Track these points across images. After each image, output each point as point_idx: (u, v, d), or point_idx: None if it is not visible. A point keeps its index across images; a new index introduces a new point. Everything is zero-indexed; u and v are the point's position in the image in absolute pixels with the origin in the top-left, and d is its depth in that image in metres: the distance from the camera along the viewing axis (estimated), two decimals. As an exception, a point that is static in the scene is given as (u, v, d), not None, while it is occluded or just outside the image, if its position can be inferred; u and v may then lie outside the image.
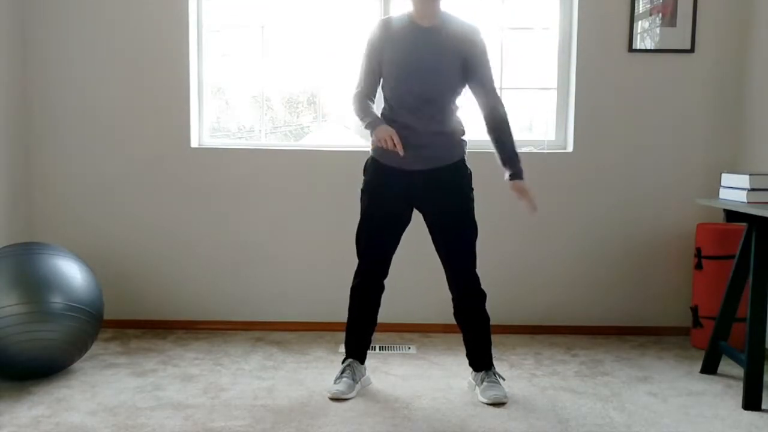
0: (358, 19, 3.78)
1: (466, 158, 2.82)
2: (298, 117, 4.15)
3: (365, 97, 2.81)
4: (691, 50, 3.66)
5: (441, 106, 2.73)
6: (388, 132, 2.67)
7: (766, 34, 3.47)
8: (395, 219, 2.82)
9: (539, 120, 3.92)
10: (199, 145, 3.84)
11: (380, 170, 2.79)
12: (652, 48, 3.66)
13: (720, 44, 3.67)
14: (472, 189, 2.82)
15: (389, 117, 2.76)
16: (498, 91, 2.80)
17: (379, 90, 2.84)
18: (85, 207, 3.77)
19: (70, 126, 3.74)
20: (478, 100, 2.79)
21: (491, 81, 2.77)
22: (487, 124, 2.78)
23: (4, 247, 3.03)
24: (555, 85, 3.81)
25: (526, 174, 2.78)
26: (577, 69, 3.70)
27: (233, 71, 3.90)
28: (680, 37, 3.65)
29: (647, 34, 3.65)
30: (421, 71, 2.69)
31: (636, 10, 3.64)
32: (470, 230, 2.79)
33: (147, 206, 3.77)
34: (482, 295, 2.83)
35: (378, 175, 2.80)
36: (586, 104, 3.71)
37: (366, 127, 2.77)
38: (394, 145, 2.65)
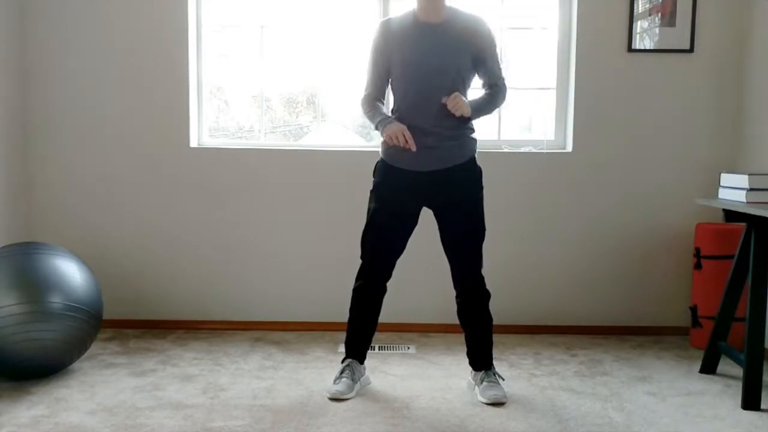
0: (358, 19, 3.78)
1: (476, 157, 2.81)
2: (297, 117, 4.15)
3: (375, 99, 2.80)
4: (691, 50, 3.66)
5: None
6: (399, 128, 2.65)
7: (765, 34, 3.47)
8: (403, 222, 2.80)
9: (538, 120, 3.92)
10: (199, 144, 3.84)
11: (390, 172, 2.77)
12: (652, 48, 3.66)
13: (719, 44, 3.67)
14: (482, 188, 2.80)
15: (400, 118, 2.73)
16: (505, 80, 2.82)
17: (389, 91, 2.83)
18: (84, 207, 3.77)
19: (69, 126, 3.74)
20: (483, 83, 2.80)
21: (499, 70, 2.79)
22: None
23: (4, 247, 3.02)
24: (554, 84, 3.80)
25: (475, 117, 2.75)
26: (576, 69, 3.70)
27: (232, 71, 3.90)
28: (679, 37, 3.65)
29: (646, 33, 3.65)
30: (433, 70, 2.67)
31: (635, 10, 3.64)
32: (478, 229, 2.79)
33: (146, 206, 3.77)
34: (486, 295, 2.83)
35: (387, 177, 2.78)
36: (586, 104, 3.71)
37: (376, 127, 2.76)
38: (406, 141, 2.64)
